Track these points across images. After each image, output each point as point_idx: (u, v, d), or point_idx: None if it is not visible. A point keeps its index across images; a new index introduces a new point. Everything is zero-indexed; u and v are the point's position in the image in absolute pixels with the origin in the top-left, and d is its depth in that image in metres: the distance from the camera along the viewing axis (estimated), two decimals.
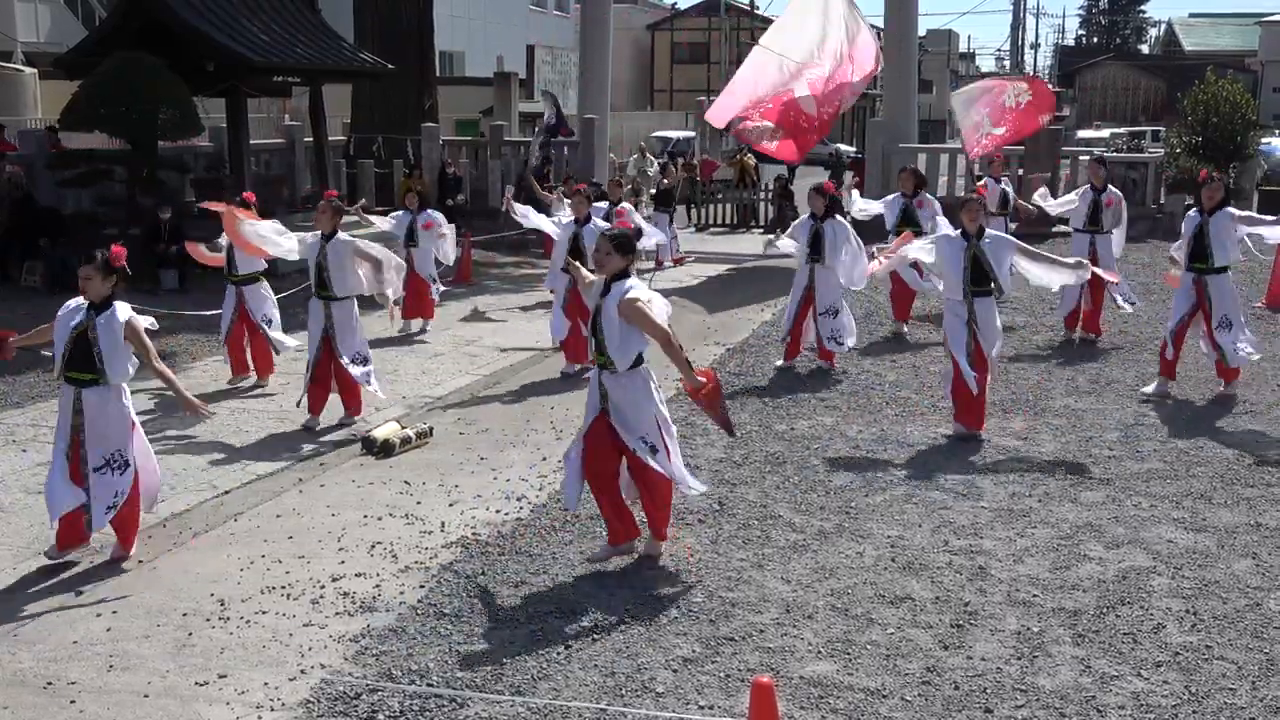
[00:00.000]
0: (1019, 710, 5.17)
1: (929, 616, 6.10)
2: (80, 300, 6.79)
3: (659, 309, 6.51)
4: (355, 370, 9.64)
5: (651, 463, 6.53)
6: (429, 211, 14.25)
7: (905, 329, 13.40)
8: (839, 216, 11.59)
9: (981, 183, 15.85)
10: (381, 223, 13.85)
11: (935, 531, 7.33)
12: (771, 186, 26.32)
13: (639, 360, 6.57)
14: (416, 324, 13.97)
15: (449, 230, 14.23)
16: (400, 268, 10.03)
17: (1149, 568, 6.73)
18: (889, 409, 10.19)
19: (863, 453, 8.97)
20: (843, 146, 47.48)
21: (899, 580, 6.57)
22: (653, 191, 26.48)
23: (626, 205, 14.25)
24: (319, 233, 9.65)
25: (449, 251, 14.33)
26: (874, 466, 8.64)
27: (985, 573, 6.67)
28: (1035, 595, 6.37)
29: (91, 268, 6.70)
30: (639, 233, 6.97)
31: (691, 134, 32.66)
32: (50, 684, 5.41)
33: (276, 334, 11.08)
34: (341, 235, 9.65)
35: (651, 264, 17.44)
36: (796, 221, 11.77)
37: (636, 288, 6.50)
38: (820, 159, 46.65)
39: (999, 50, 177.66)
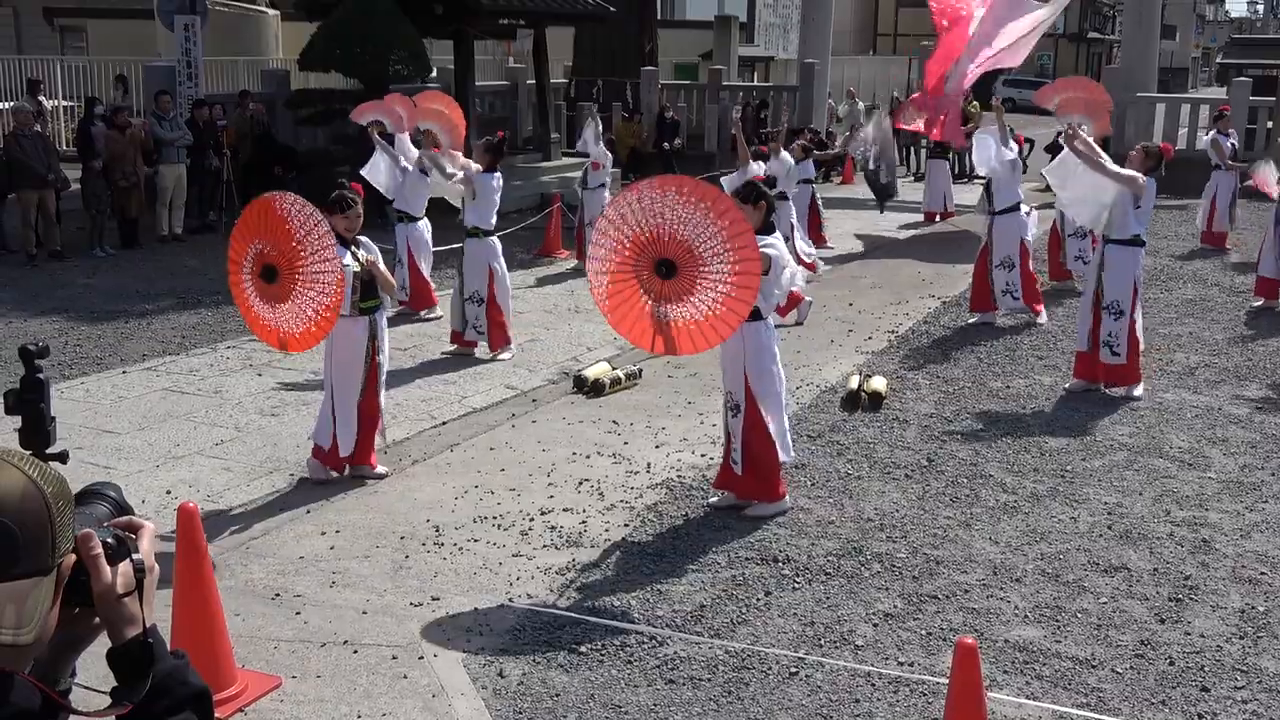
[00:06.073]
0: (1238, 691, 4.93)
1: (1145, 588, 5.86)
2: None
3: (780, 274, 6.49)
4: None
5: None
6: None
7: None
8: None
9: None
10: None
11: (1157, 500, 7.02)
12: None
13: (757, 313, 6.42)
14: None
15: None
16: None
17: None
18: None
19: (1082, 414, 8.64)
20: None
21: (1115, 549, 6.33)
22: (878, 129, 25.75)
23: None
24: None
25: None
26: (1093, 429, 8.32)
27: (1209, 546, 6.36)
28: (1263, 573, 6.04)
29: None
30: (772, 181, 7.00)
31: None
32: (278, 595, 5.75)
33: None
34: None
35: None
36: None
37: (769, 243, 6.44)
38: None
39: None
